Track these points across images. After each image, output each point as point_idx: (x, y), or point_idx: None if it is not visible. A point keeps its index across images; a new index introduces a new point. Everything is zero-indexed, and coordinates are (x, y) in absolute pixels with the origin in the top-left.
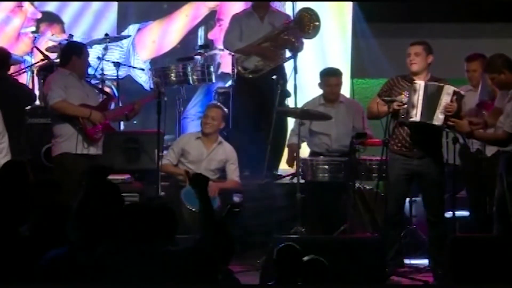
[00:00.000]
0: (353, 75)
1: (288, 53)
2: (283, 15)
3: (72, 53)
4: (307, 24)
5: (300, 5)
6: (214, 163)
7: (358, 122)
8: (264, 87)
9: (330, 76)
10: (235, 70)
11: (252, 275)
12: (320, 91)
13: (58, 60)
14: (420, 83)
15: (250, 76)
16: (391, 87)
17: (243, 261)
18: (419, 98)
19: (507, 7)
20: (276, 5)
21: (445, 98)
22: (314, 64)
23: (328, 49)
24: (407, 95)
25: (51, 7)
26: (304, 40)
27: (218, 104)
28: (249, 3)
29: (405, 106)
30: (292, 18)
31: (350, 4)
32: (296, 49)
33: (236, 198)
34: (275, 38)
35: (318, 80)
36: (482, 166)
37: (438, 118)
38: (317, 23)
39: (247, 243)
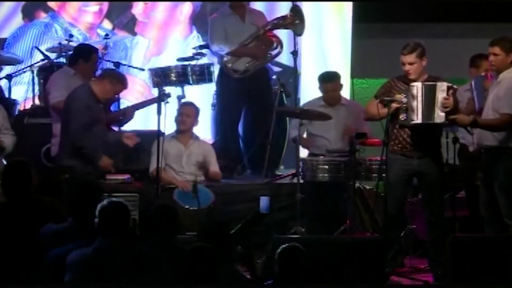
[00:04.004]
0: (353, 75)
1: (274, 51)
2: (260, 13)
3: (80, 56)
4: (291, 22)
5: (299, 5)
6: (193, 157)
7: (359, 124)
8: (255, 86)
9: (326, 82)
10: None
11: None
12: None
13: (58, 60)
14: (417, 85)
15: (239, 76)
16: (388, 89)
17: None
18: (418, 99)
19: (507, 7)
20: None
21: (441, 95)
22: (314, 64)
23: (328, 49)
24: (405, 96)
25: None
26: (304, 40)
27: (191, 102)
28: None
29: (405, 105)
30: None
31: (350, 4)
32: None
33: (263, 202)
34: (262, 37)
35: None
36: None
37: (439, 116)
38: (298, 21)
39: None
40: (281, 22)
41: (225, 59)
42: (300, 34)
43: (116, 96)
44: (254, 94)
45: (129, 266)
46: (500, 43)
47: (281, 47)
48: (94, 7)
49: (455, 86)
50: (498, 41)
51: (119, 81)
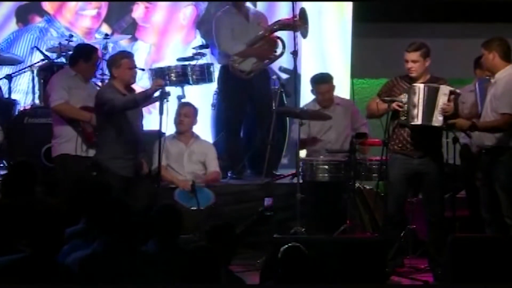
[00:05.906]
0: (353, 75)
1: (278, 52)
2: (263, 14)
3: (80, 56)
4: (298, 24)
5: (299, 5)
6: (195, 156)
7: (356, 121)
8: (255, 86)
9: (320, 84)
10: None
11: (252, 275)
12: None
13: (57, 60)
14: (419, 86)
15: (246, 77)
16: (390, 88)
17: (243, 261)
18: (419, 101)
19: (507, 7)
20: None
21: (442, 99)
22: (314, 64)
23: (328, 49)
24: (407, 96)
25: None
26: (304, 40)
27: (189, 102)
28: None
29: (405, 106)
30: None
31: (350, 4)
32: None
33: (266, 202)
34: (267, 38)
35: None
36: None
37: (437, 120)
38: (305, 24)
39: (247, 243)
40: (287, 24)
41: (232, 59)
42: (305, 37)
43: (135, 73)
44: (255, 94)
45: (131, 266)
46: (484, 43)
47: (284, 47)
48: (92, 11)
49: (458, 91)
50: (483, 42)
51: (120, 58)
